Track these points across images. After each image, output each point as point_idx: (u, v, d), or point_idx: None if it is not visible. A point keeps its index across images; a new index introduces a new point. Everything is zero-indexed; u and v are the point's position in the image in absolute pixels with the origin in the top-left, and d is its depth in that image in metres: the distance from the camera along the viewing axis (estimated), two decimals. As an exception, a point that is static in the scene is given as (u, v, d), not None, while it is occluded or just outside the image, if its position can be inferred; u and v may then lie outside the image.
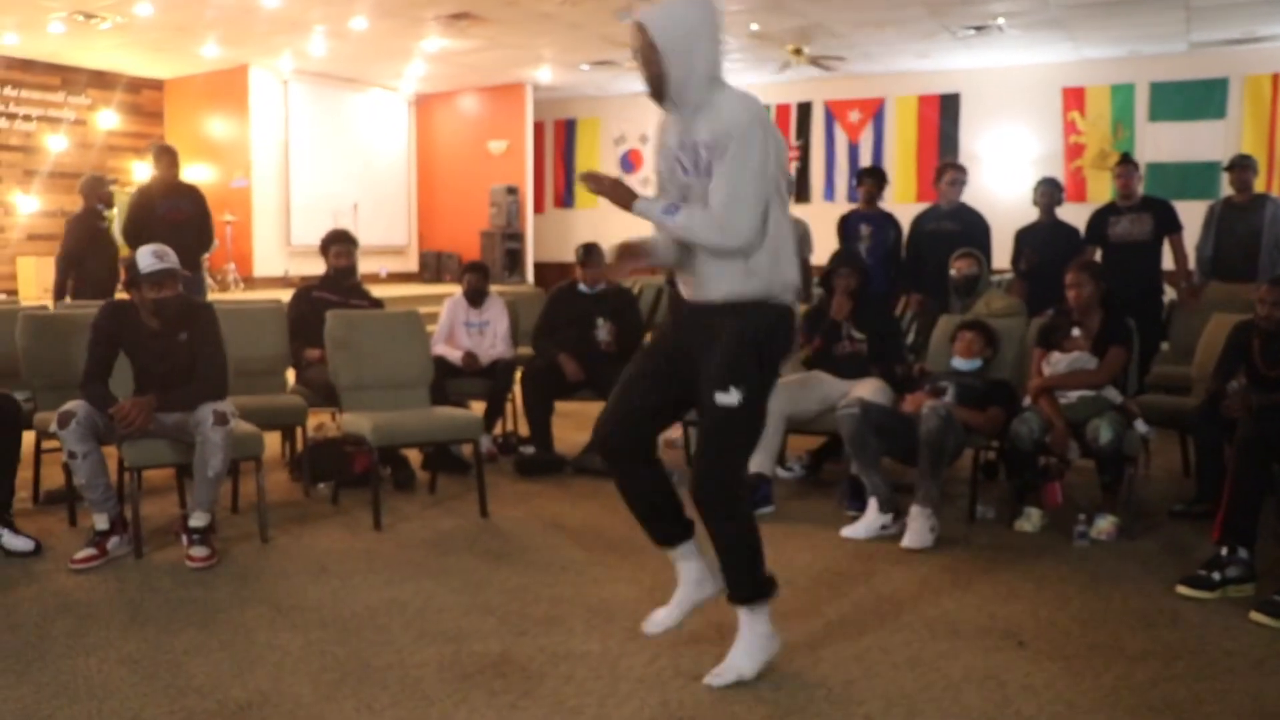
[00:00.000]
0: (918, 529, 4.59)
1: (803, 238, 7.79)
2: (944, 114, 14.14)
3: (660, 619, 3.33)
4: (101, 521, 4.38)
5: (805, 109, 14.99)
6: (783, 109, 15.07)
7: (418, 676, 3.21)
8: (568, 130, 16.90)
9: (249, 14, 11.06)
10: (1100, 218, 7.21)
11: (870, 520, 4.78)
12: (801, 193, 14.49)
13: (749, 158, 2.95)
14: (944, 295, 6.53)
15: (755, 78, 14.67)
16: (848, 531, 4.78)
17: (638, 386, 3.26)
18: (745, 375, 3.04)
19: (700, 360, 3.11)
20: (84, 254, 7.87)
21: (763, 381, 3.11)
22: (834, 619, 3.74)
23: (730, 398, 3.01)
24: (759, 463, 5.12)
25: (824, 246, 7.52)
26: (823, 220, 8.48)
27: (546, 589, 4.02)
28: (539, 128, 16.31)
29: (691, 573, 3.31)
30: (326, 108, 14.89)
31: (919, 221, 7.41)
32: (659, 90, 3.06)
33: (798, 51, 12.38)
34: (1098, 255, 7.06)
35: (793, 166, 14.90)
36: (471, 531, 4.87)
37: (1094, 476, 4.95)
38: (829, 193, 14.72)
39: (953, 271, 6.24)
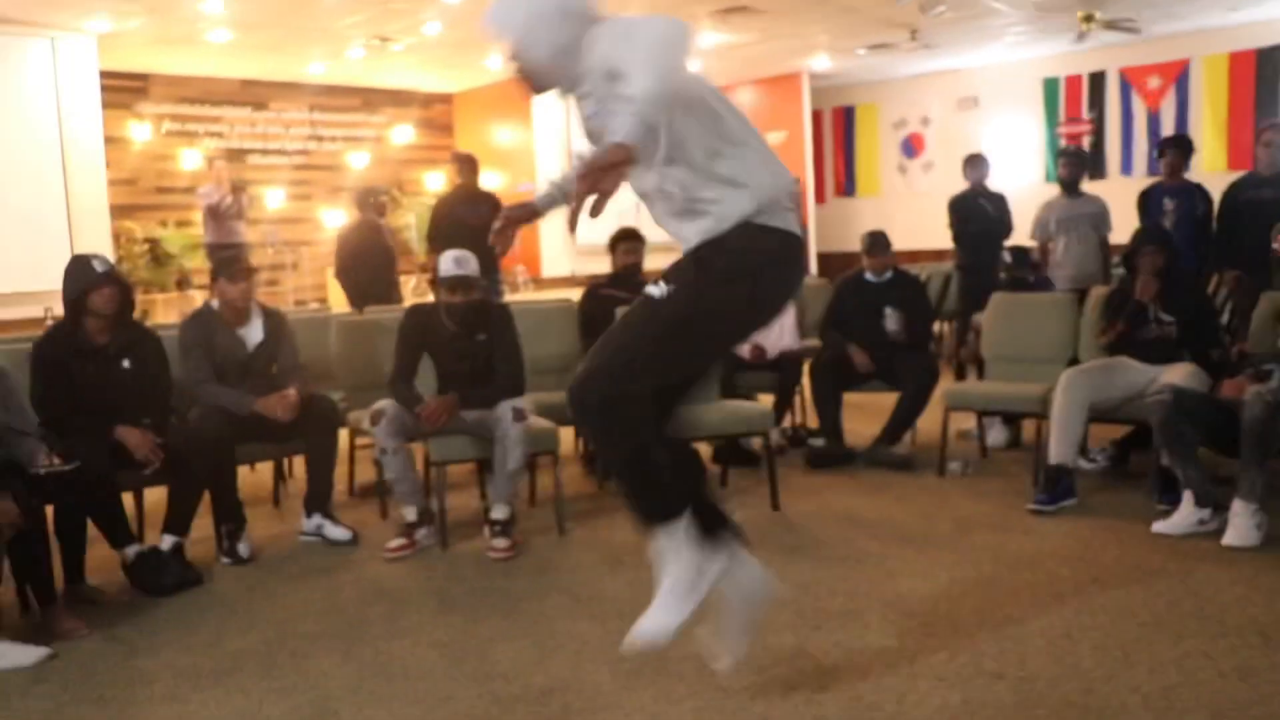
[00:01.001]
0: (1241, 525, 4.24)
1: (1100, 216, 7.39)
2: (1261, 70, 13.00)
3: (724, 653, 2.92)
4: (410, 513, 4.68)
5: (1098, 79, 14.18)
6: (1073, 81, 14.33)
7: (714, 669, 3.24)
8: (846, 117, 16.67)
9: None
10: None
11: (1186, 515, 4.46)
12: (1096, 169, 13.71)
13: (631, 30, 2.48)
14: (1265, 270, 6.02)
15: (1042, 50, 14.03)
16: (1160, 526, 4.48)
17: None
18: (688, 278, 2.62)
19: None
20: (357, 263, 8.31)
21: (713, 295, 2.61)
22: (1147, 620, 3.51)
23: (658, 289, 2.63)
24: (1059, 453, 4.89)
25: (1124, 224, 7.08)
26: (1122, 196, 7.99)
27: (840, 582, 3.97)
28: (817, 116, 16.16)
29: (733, 578, 2.83)
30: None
31: (1234, 191, 6.85)
32: (538, 84, 2.79)
33: (1088, 19, 11.71)
34: None
35: (1086, 141, 14.13)
36: (763, 524, 4.86)
37: None
38: (1126, 167, 13.87)
39: (1276, 245, 5.74)
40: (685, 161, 2.61)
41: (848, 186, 16.78)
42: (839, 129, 16.79)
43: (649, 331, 2.65)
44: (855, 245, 6.81)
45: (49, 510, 4.00)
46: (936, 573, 4.04)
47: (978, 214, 8.33)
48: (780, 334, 6.52)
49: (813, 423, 6.34)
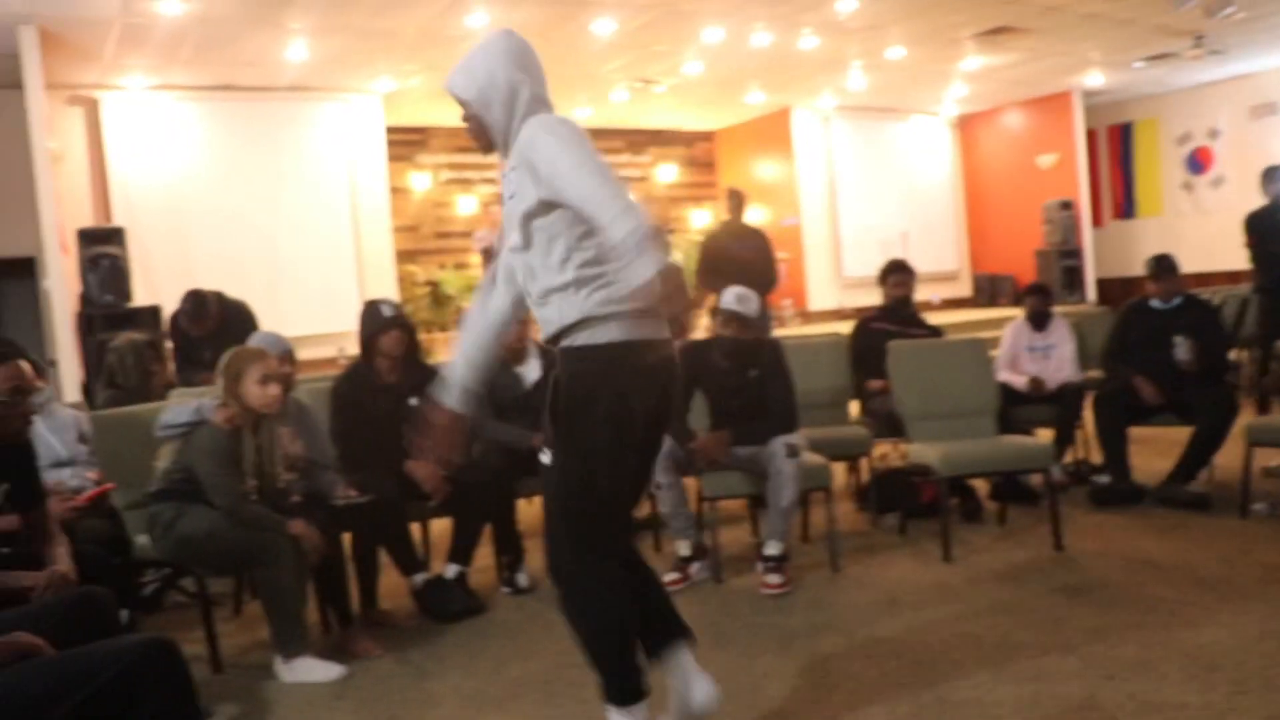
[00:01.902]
0: None
1: None
2: None
3: None
4: (684, 548, 4.72)
5: None
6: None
7: (996, 715, 3.09)
8: (1123, 135, 15.83)
9: (789, 58, 11.51)
10: None
11: None
12: None
13: (569, 157, 2.64)
14: None
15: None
16: None
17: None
18: (560, 436, 2.74)
19: None
20: None
21: (592, 440, 2.71)
22: None
23: (545, 457, 2.79)
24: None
25: None
26: None
27: (1133, 630, 3.72)
28: (1091, 135, 15.41)
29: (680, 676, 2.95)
30: (868, 139, 15.11)
31: None
32: (488, 142, 2.88)
33: None
34: None
35: None
36: (1045, 565, 4.64)
37: None
38: None
39: None
40: (550, 253, 2.73)
41: (1127, 208, 15.90)
42: (1115, 147, 15.96)
43: (581, 494, 2.75)
44: (1136, 270, 6.47)
45: (347, 539, 4.27)
46: (1244, 624, 3.73)
47: (1279, 232, 7.72)
48: (1059, 365, 6.25)
49: (1096, 458, 6.02)
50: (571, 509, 2.76)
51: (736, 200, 8.49)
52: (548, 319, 2.79)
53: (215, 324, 6.61)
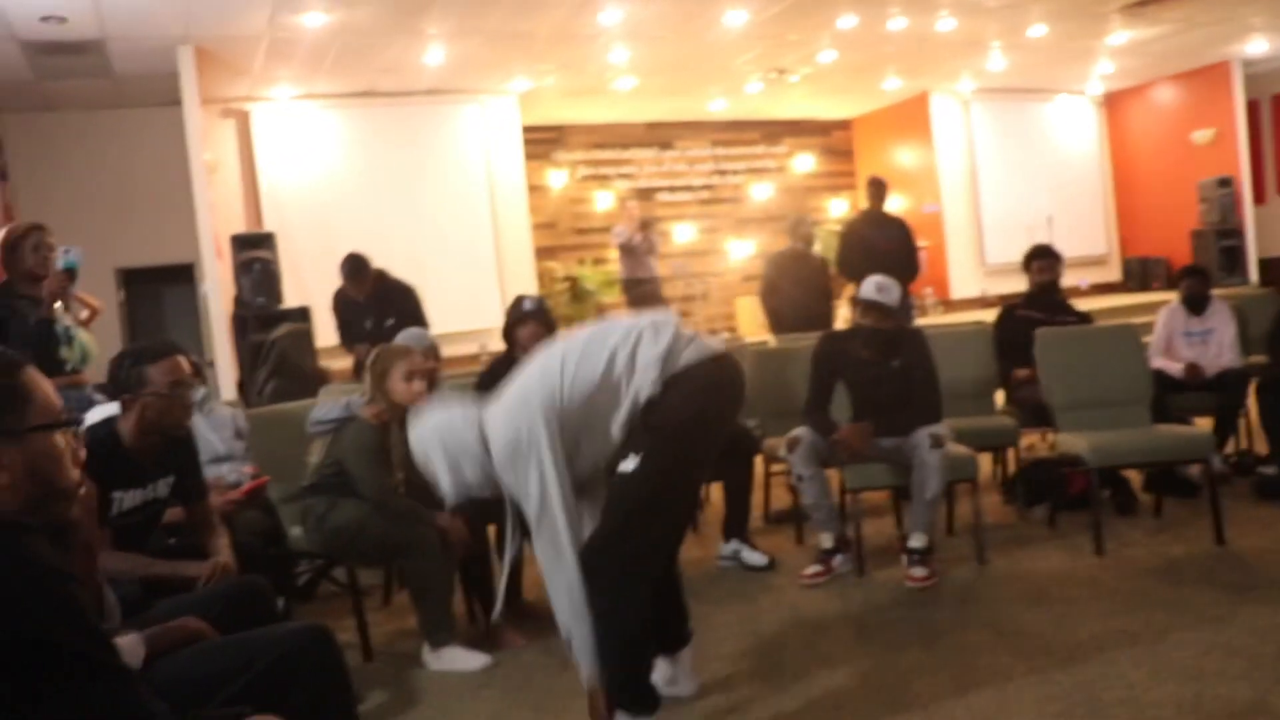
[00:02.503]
0: None
1: None
2: None
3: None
4: (826, 540, 4.66)
5: None
6: None
7: (1155, 717, 2.97)
8: (1290, 104, 15.04)
9: (926, 42, 11.29)
10: None
11: None
12: None
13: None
14: None
15: None
16: None
17: None
18: (641, 444, 2.97)
19: None
20: (780, 288, 8.39)
21: (667, 451, 2.97)
22: None
23: (628, 464, 2.97)
24: None
25: None
26: None
27: (1306, 630, 3.55)
28: (1253, 107, 14.67)
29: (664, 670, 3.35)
30: (1009, 122, 14.73)
31: None
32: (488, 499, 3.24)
33: None
34: None
35: None
36: (1205, 560, 4.45)
37: None
38: None
39: None
40: (608, 422, 3.03)
41: (1292, 183, 15.13)
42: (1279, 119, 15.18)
43: (650, 503, 2.98)
44: (1305, 248, 6.13)
45: (492, 531, 4.35)
46: None
47: None
48: (1218, 351, 6.00)
49: (1261, 448, 5.75)
50: (645, 516, 2.99)
51: (877, 189, 8.39)
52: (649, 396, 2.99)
53: (373, 286, 6.95)
